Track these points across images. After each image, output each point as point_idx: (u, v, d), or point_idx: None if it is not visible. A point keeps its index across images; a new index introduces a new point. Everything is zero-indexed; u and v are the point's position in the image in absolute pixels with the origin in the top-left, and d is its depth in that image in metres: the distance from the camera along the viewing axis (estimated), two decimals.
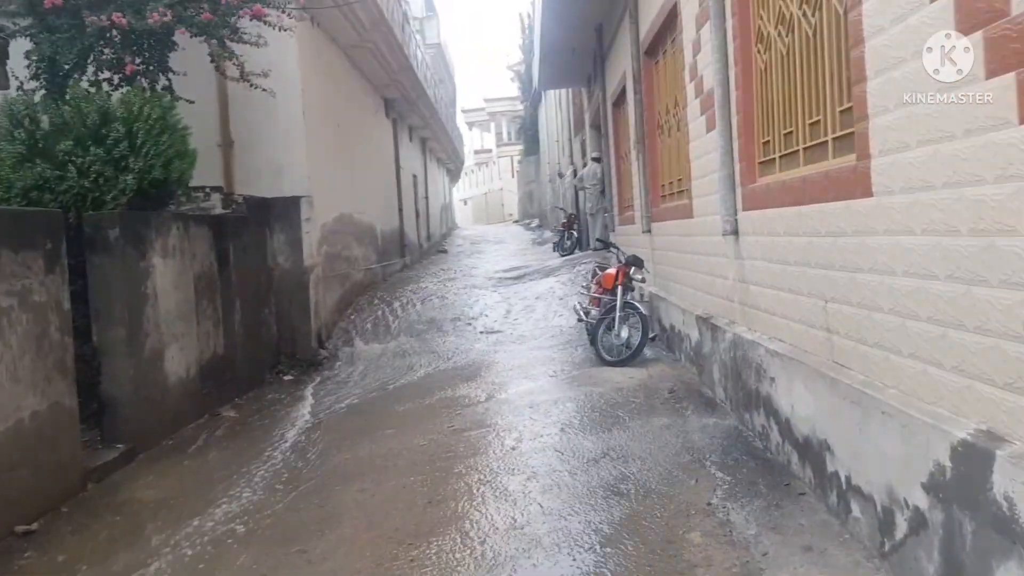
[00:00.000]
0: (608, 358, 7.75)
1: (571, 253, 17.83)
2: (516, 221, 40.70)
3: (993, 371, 2.46)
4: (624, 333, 7.77)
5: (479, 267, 17.66)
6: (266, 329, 9.66)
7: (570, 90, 20.55)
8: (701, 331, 6.42)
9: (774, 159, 4.68)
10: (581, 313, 8.86)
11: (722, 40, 5.20)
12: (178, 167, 6.75)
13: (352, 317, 11.76)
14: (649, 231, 8.85)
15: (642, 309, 7.69)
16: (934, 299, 2.77)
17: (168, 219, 7.01)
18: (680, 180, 7.45)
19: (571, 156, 21.21)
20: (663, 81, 8.06)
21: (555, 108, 24.61)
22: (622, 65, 10.03)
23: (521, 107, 39.01)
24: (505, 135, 58.04)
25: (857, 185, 3.34)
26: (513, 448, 5.47)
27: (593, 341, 8.02)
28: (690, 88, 6.40)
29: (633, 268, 8.01)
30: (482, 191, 58.58)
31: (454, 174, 39.73)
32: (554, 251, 19.11)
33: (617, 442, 5.34)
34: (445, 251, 24.10)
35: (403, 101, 18.37)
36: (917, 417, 2.83)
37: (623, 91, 10.40)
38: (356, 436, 6.32)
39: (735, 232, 5.29)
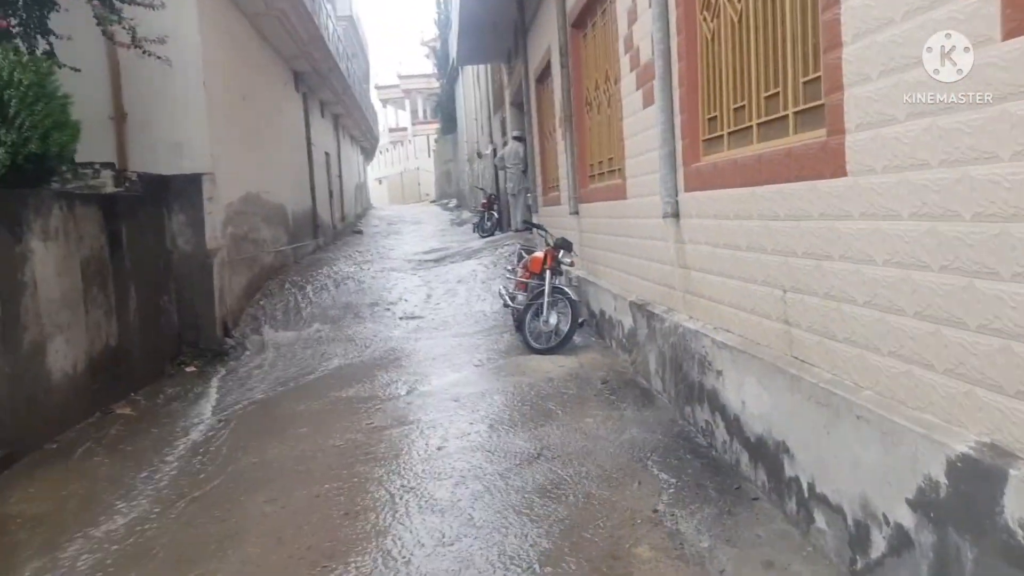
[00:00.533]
0: (536, 345, 7.37)
1: (492, 234, 17.39)
2: (433, 201, 39.98)
3: (1000, 376, 2.15)
4: (553, 319, 7.41)
5: (397, 248, 17.05)
6: (166, 317, 8.88)
7: (489, 66, 20.03)
8: (635, 318, 6.10)
9: (721, 136, 4.35)
10: (507, 298, 8.45)
11: (663, 7, 4.82)
12: (58, 140, 5.96)
13: (262, 303, 11.02)
14: (577, 212, 8.50)
15: (571, 294, 7.34)
16: (924, 292, 2.46)
17: (49, 198, 6.21)
18: (611, 159, 7.10)
19: (491, 135, 20.72)
20: (592, 55, 7.68)
21: (473, 85, 24.03)
22: (547, 39, 9.60)
23: (437, 84, 38.21)
24: (421, 113, 57.01)
25: (827, 164, 3.02)
26: (439, 448, 5.02)
27: (520, 327, 7.62)
28: (624, 61, 6.03)
29: (562, 251, 7.65)
30: (398, 170, 57.43)
31: (368, 152, 38.64)
32: (474, 232, 18.64)
33: (551, 439, 4.96)
34: (360, 232, 23.27)
35: (314, 74, 17.46)
36: (902, 424, 2.53)
37: (547, 66, 9.98)
38: (265, 436, 5.74)
39: (675, 214, 4.96)
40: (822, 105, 3.12)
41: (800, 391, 3.29)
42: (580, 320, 7.89)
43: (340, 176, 24.34)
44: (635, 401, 5.60)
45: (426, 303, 10.73)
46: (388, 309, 10.62)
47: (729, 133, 4.24)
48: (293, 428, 5.88)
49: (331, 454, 5.15)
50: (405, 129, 59.52)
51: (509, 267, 9.10)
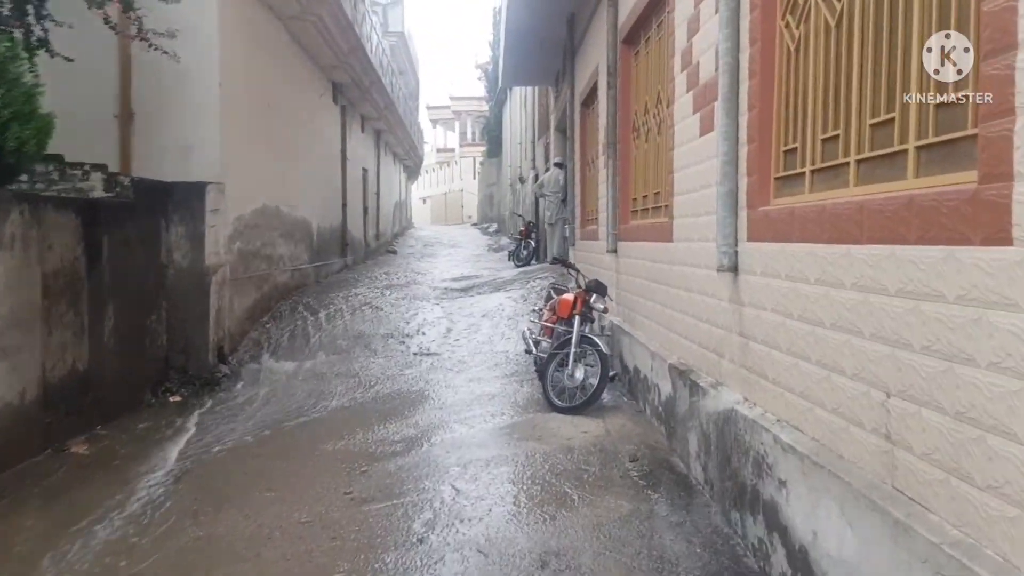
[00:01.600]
0: (558, 403, 6.38)
1: (527, 264, 16.49)
2: (475, 224, 39.34)
3: None
4: (579, 374, 6.42)
5: (427, 273, 16.21)
6: (152, 339, 8.10)
7: (536, 89, 19.24)
8: (675, 385, 5.09)
9: (802, 174, 3.36)
10: (530, 343, 7.48)
11: (733, 11, 3.86)
12: (17, 134, 5.20)
13: (268, 326, 10.21)
14: (615, 251, 7.52)
15: (602, 346, 6.34)
16: None
17: (6, 200, 5.44)
18: (657, 194, 6.13)
19: (533, 160, 19.89)
20: (643, 75, 6.75)
21: (520, 108, 23.28)
22: (595, 58, 8.70)
23: (487, 107, 37.68)
24: (469, 135, 56.77)
25: (977, 223, 2.02)
26: (421, 541, 4.05)
27: (542, 379, 6.64)
28: (680, 79, 5.07)
29: (594, 296, 6.67)
30: (442, 191, 57.14)
31: (412, 171, 38.12)
32: (509, 260, 17.75)
33: (562, 541, 3.95)
34: (394, 252, 22.59)
35: (354, 87, 16.84)
36: None
37: (594, 88, 9.07)
38: (224, 499, 4.83)
39: (734, 268, 3.96)
40: (968, 137, 2.12)
41: (909, 547, 2.26)
42: (612, 374, 6.89)
43: (378, 193, 23.71)
44: (670, 492, 4.57)
45: (445, 338, 9.81)
46: (403, 342, 9.72)
47: (814, 171, 3.25)
48: (259, 490, 4.97)
49: (291, 534, 4.21)
50: (453, 150, 59.34)
51: (536, 307, 8.14)
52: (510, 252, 18.13)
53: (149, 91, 8.92)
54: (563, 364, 6.54)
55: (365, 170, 21.11)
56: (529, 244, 17.22)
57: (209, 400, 8.02)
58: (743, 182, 3.86)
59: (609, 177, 7.50)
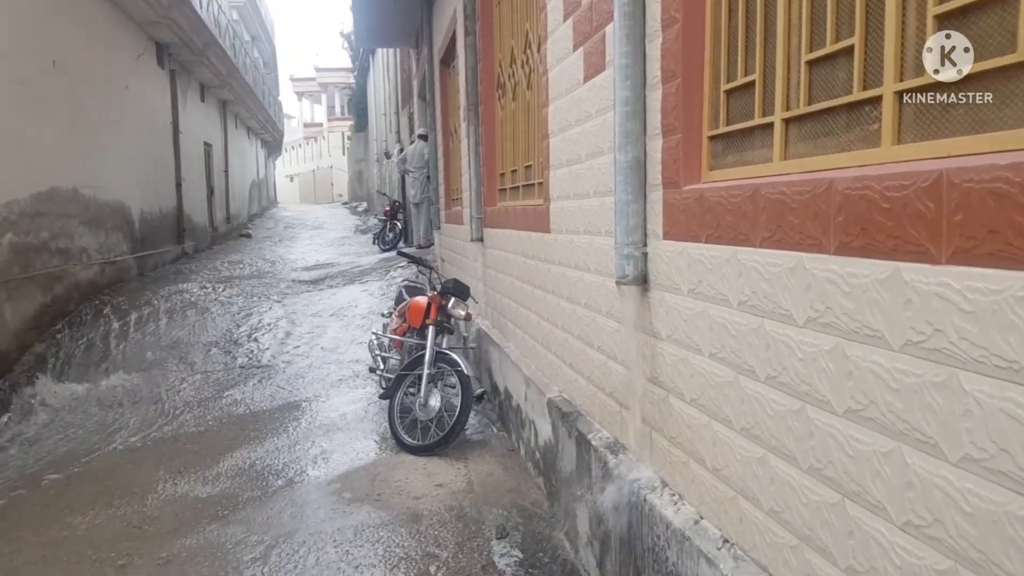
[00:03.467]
0: (408, 440, 4.89)
1: (392, 248, 14.83)
2: (346, 203, 37.00)
3: None
4: (434, 402, 4.95)
5: (279, 261, 14.31)
6: None
7: (399, 53, 17.46)
8: (557, 430, 3.71)
9: (766, 126, 1.99)
10: (377, 357, 5.92)
11: None
12: None
13: (59, 336, 8.19)
14: (481, 239, 6.07)
15: (464, 367, 4.87)
16: None
17: None
18: (530, 168, 4.71)
19: (398, 132, 18.16)
20: (508, 14, 5.29)
21: (383, 76, 21.39)
22: (452, 3, 7.17)
23: (353, 77, 35.29)
24: (338, 109, 53.92)
25: None
26: None
27: (389, 409, 5.12)
28: (554, 3, 3.63)
29: (453, 300, 5.19)
30: (310, 168, 54.19)
31: (273, 147, 35.29)
32: (374, 243, 16.04)
33: None
34: (249, 235, 20.31)
35: (184, 48, 14.54)
36: None
37: (453, 41, 7.55)
38: None
39: (641, 280, 2.59)
40: None
41: None
42: (479, 392, 5.49)
43: (226, 171, 21.28)
44: None
45: (282, 344, 8.11)
46: (229, 352, 7.95)
47: (792, 119, 1.88)
48: None
49: None
50: (321, 125, 56.38)
51: (386, 310, 6.59)
52: (375, 235, 16.42)
53: None
54: (415, 388, 5.07)
55: (208, 145, 18.71)
56: (395, 226, 15.58)
57: None
58: (655, 144, 2.47)
59: (471, 147, 6.03)
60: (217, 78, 17.86)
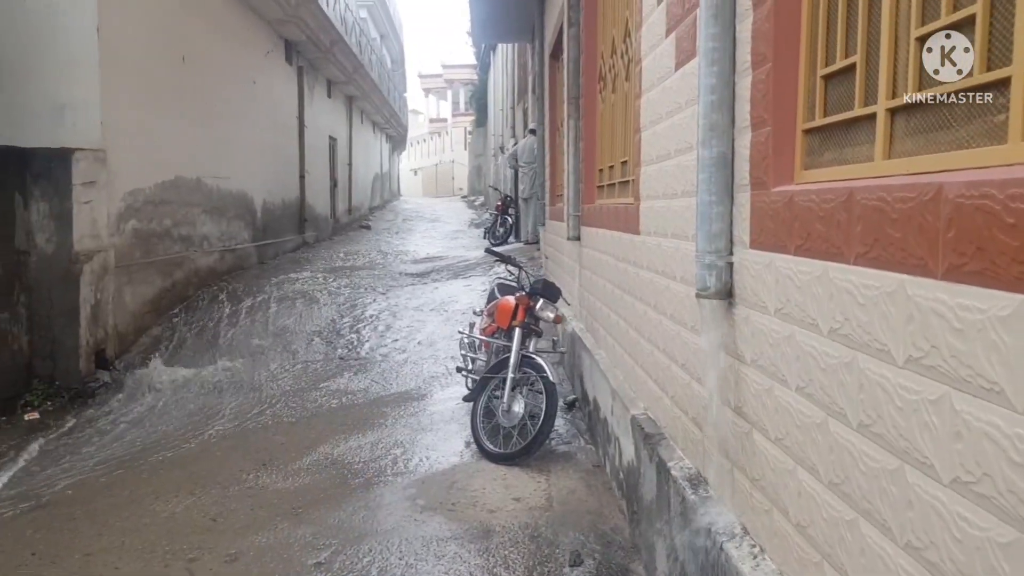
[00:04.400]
0: (489, 447, 4.69)
1: (503, 242, 14.77)
2: (465, 197, 37.49)
3: None
4: (517, 408, 4.73)
5: (393, 251, 14.52)
6: (2, 342, 6.45)
7: (516, 48, 17.35)
8: (639, 452, 3.40)
9: (868, 117, 1.64)
10: (465, 357, 5.77)
11: None
12: None
13: (175, 320, 8.54)
14: (578, 238, 5.80)
15: (550, 373, 4.62)
16: None
17: None
18: (625, 164, 4.41)
19: (513, 127, 18.08)
20: (612, 3, 4.98)
21: (502, 72, 21.38)
22: None
23: (476, 74, 35.63)
24: (462, 105, 54.70)
25: None
26: None
27: (472, 413, 4.95)
28: None
29: (542, 302, 4.95)
30: (433, 162, 55.39)
31: (397, 141, 36.16)
32: (484, 237, 16.03)
33: None
34: (368, 227, 20.82)
35: (311, 45, 14.99)
36: None
37: (560, 33, 7.30)
38: None
39: (726, 293, 2.26)
40: None
41: None
42: (570, 399, 5.25)
43: (350, 164, 21.89)
44: None
45: (381, 338, 8.13)
46: (330, 342, 8.04)
47: (897, 110, 1.53)
48: None
49: None
50: (445, 120, 57.40)
51: (478, 308, 6.42)
52: (486, 229, 16.40)
53: (16, 35, 7.16)
54: (499, 390, 4.87)
55: (333, 139, 19.28)
56: (506, 220, 15.49)
57: (72, 419, 6.41)
58: (744, 140, 2.14)
59: (571, 142, 5.76)
60: (343, 74, 18.35)
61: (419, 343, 7.86)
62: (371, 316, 8.79)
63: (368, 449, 5.10)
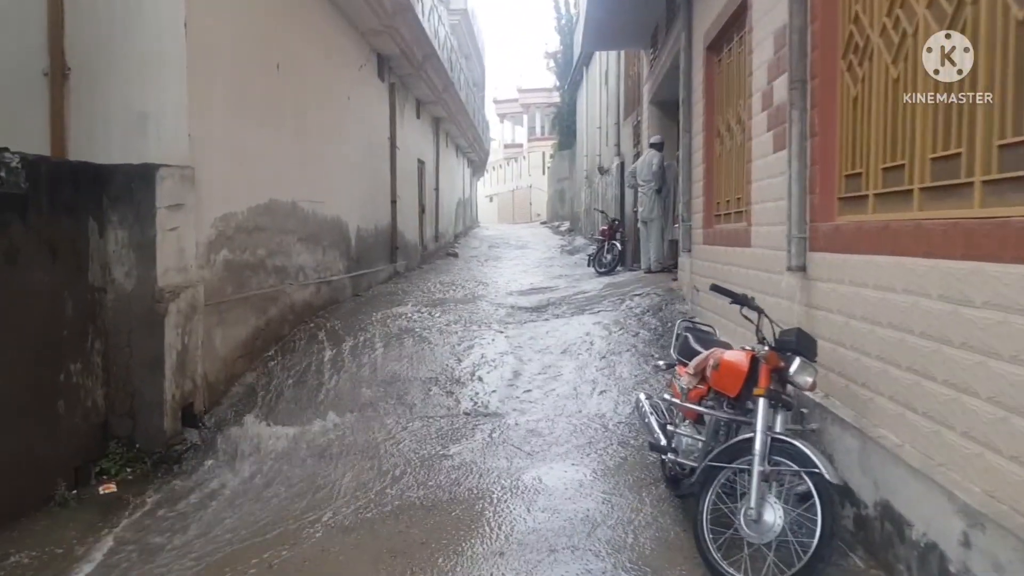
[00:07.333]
0: (728, 572, 3.24)
1: (611, 272, 13.33)
2: (544, 223, 36.29)
3: None
4: (770, 517, 3.26)
5: (491, 282, 13.26)
6: (73, 399, 5.37)
7: (621, 61, 16.05)
8: None
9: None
10: (656, 430, 4.32)
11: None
12: None
13: (272, 365, 7.40)
14: (803, 268, 4.31)
15: (824, 469, 3.13)
16: None
17: None
18: (902, 165, 2.94)
19: (618, 145, 16.70)
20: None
21: (599, 87, 20.08)
22: None
23: (557, 96, 34.54)
24: (539, 129, 53.86)
25: None
26: None
27: (697, 515, 3.50)
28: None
29: (798, 362, 3.47)
30: (509, 188, 54.66)
31: (477, 166, 35.27)
32: (589, 266, 14.61)
33: None
34: (455, 255, 19.73)
35: (404, 60, 13.96)
36: None
37: (736, 14, 5.90)
38: None
39: None
40: None
41: None
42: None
43: (437, 189, 20.90)
44: None
45: (510, 387, 6.78)
46: (451, 392, 6.73)
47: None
48: None
49: None
50: (521, 145, 56.74)
51: (662, 360, 4.98)
52: (590, 256, 14.95)
53: (92, 39, 6.19)
54: (733, 489, 3.42)
55: (422, 162, 18.26)
56: (613, 247, 14.02)
57: (153, 492, 5.26)
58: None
59: (792, 139, 4.29)
60: (433, 93, 17.35)
61: (557, 395, 6.48)
62: (493, 359, 7.45)
63: (534, 547, 3.72)
